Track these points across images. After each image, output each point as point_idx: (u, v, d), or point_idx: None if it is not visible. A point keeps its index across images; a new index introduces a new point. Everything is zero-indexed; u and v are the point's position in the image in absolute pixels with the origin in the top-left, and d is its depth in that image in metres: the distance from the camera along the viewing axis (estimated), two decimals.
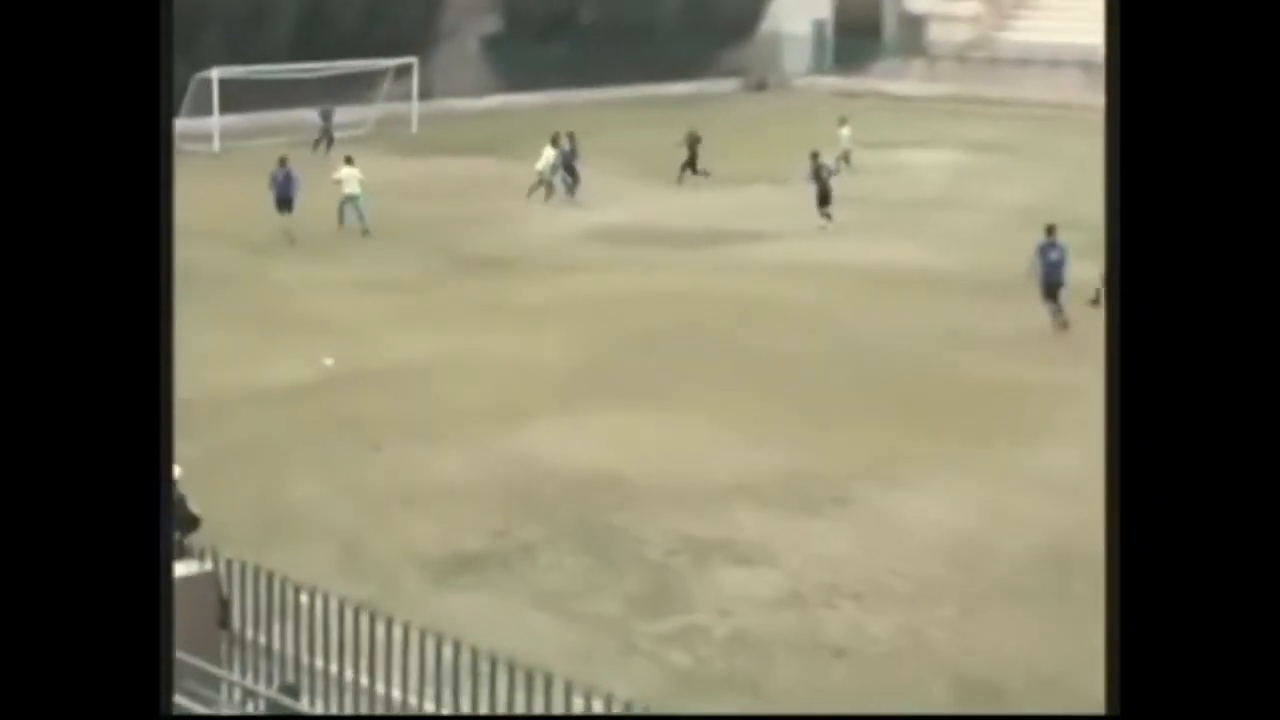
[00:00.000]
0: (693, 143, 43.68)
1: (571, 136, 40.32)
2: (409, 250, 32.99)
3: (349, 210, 35.19)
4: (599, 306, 27.73)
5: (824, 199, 35.49)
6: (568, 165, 40.36)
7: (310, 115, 48.43)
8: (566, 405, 21.88)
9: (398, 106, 53.05)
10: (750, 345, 25.22)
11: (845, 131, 43.71)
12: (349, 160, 36.52)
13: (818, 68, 73.52)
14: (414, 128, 50.81)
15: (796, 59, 73.41)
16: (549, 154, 39.79)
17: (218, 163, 45.48)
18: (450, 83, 61.21)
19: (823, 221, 35.10)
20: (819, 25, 75.82)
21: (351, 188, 35.55)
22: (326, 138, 47.19)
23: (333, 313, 27.24)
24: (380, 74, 53.94)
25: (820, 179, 35.99)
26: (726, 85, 69.04)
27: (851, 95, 65.89)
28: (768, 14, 73.03)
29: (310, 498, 18.41)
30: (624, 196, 39.91)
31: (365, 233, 34.50)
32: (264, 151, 40.94)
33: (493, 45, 65.59)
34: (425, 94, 55.80)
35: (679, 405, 22.01)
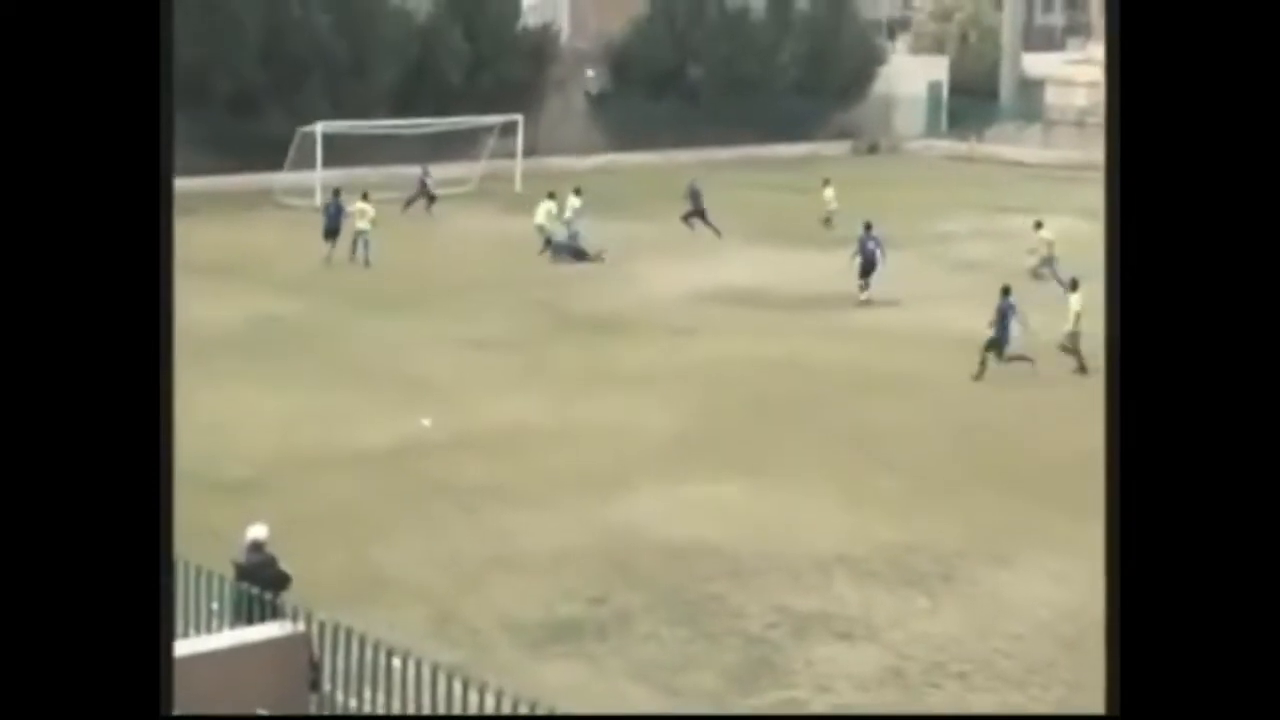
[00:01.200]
0: (694, 195, 44.38)
1: (578, 192, 42.66)
2: (512, 309, 33.34)
3: (359, 245, 38.53)
4: (704, 371, 27.88)
5: (867, 269, 35.40)
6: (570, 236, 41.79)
7: (413, 171, 49.00)
8: (668, 472, 21.99)
9: (502, 164, 53.64)
10: (857, 414, 25.24)
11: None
12: (365, 196, 39.63)
13: (931, 131, 73.56)
14: (518, 185, 51.33)
15: (910, 121, 73.49)
16: (548, 207, 41.22)
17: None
18: (555, 140, 61.84)
19: (862, 294, 35.06)
20: (934, 87, 75.91)
21: (363, 224, 38.75)
22: (426, 195, 47.77)
23: (432, 372, 27.55)
24: (485, 130, 54.60)
25: (865, 251, 35.78)
26: (838, 147, 69.21)
27: (966, 160, 65.93)
28: (881, 75, 73.22)
29: (404, 561, 18.59)
30: (733, 258, 40.16)
31: (366, 264, 38.08)
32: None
33: (599, 102, 66.25)
34: (530, 151, 56.38)
35: (782, 474, 22.07)
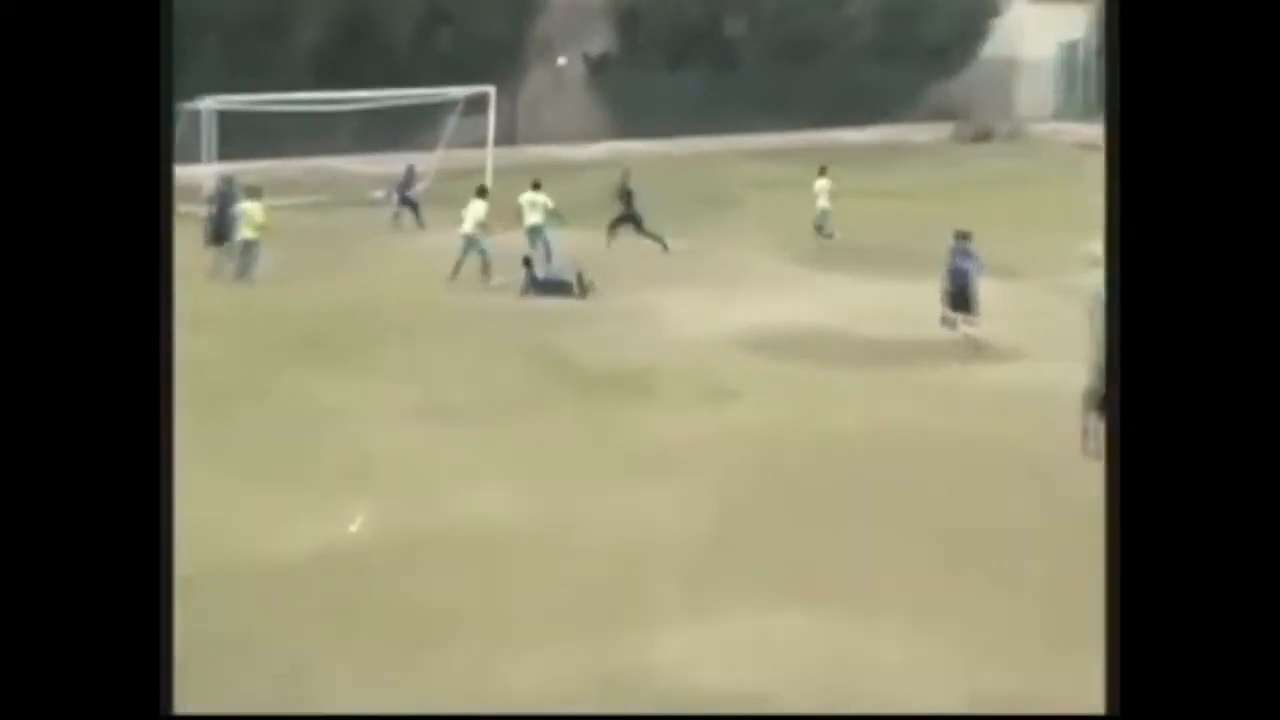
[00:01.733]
0: (625, 194, 44.69)
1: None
2: (488, 362, 33.29)
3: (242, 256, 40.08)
4: (745, 448, 27.74)
5: (960, 297, 35.73)
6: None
7: (342, 165, 49.22)
8: (694, 595, 21.83)
9: (467, 154, 53.70)
10: (955, 509, 25.07)
11: (822, 183, 48.31)
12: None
13: (1067, 110, 73.58)
14: (488, 182, 51.47)
15: (1036, 97, 73.44)
16: (477, 209, 41.40)
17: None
18: (541, 123, 61.92)
19: (950, 330, 35.59)
20: (1068, 49, 75.76)
21: (249, 232, 40.46)
22: (409, 205, 48.48)
23: (381, 450, 27.45)
24: (444, 109, 54.64)
25: (956, 272, 36.07)
26: (931, 133, 69.39)
27: None
28: (995, 30, 73.07)
29: (337, 710, 18.48)
30: (786, 287, 40.32)
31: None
32: (281, 216, 41.63)
33: (602, 71, 66.29)
34: (506, 138, 56.48)
35: (855, 600, 21.88)
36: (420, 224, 48.35)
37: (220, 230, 40.85)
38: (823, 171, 48.57)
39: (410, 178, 49.55)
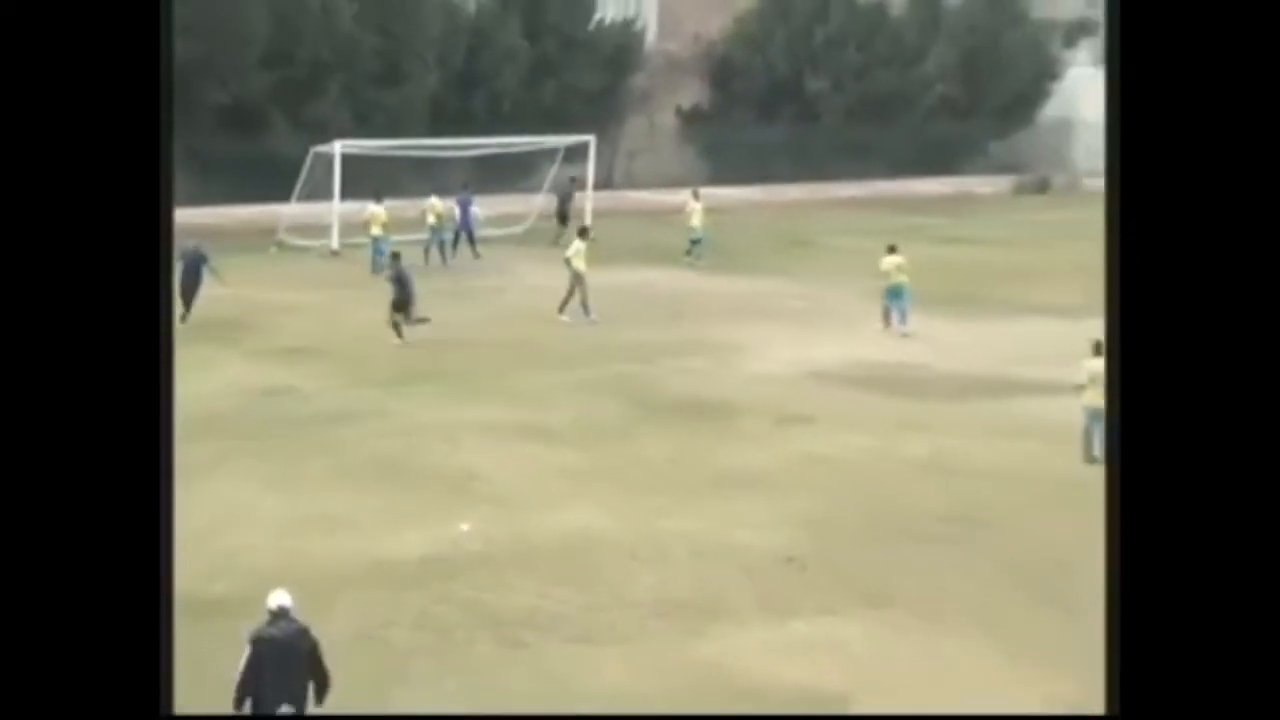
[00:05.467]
0: (564, 198, 45.51)
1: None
2: (580, 388, 33.44)
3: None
4: (824, 474, 27.83)
5: None
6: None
7: (453, 205, 49.46)
8: (773, 603, 21.95)
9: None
10: (1022, 535, 25.10)
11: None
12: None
13: None
14: (588, 222, 51.67)
15: (1093, 152, 73.21)
16: (579, 247, 41.50)
17: (335, 264, 46.66)
18: (637, 170, 62.03)
19: None
20: None
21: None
22: (467, 234, 48.20)
23: (475, 467, 27.66)
24: (546, 156, 54.67)
25: None
26: (995, 184, 69.23)
27: None
28: (1056, 92, 73.03)
29: (436, 704, 18.63)
30: (864, 324, 40.19)
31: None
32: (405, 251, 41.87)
33: (694, 122, 66.35)
34: (604, 183, 56.51)
35: (921, 611, 21.96)
36: (475, 254, 48.31)
37: (185, 289, 37.19)
38: (892, 250, 41.35)
39: (466, 213, 48.98)
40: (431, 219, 45.63)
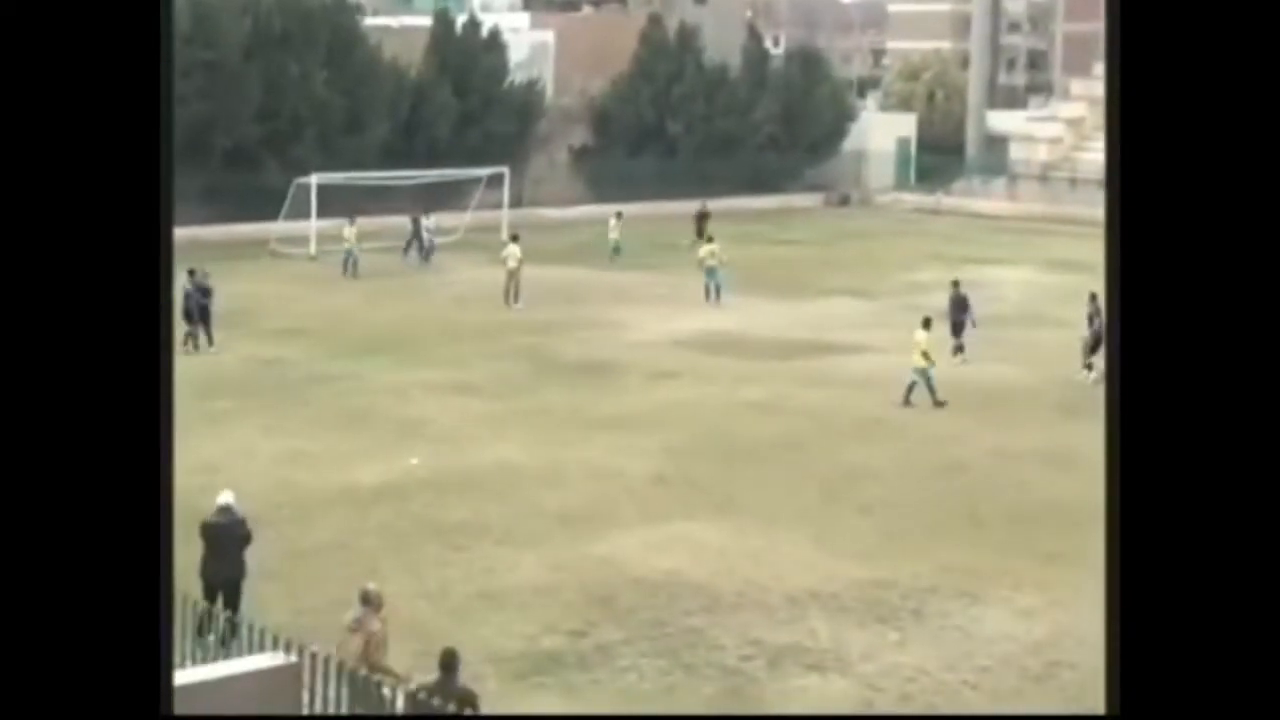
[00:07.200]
0: (416, 222, 47.60)
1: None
2: (500, 355, 33.37)
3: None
4: (685, 415, 27.91)
5: (957, 329, 33.70)
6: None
7: (404, 220, 49.17)
8: (648, 513, 21.99)
9: (488, 214, 53.67)
10: (830, 457, 25.28)
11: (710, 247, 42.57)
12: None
13: (901, 185, 73.87)
14: (504, 235, 51.43)
15: (880, 175, 73.78)
16: (514, 250, 40.76)
17: (314, 266, 46.40)
18: (540, 192, 61.94)
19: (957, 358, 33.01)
20: (903, 143, 76.27)
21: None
22: (418, 243, 47.97)
23: (423, 415, 27.57)
24: (473, 182, 54.66)
25: (957, 308, 34.00)
26: (809, 200, 69.49)
27: (933, 212, 66.21)
28: (852, 131, 73.54)
29: (393, 595, 18.50)
30: (709, 306, 40.32)
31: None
32: (370, 257, 41.57)
33: (582, 156, 66.33)
34: (515, 202, 56.43)
35: (758, 515, 22.07)
36: (425, 261, 47.47)
37: (189, 310, 32.20)
38: (710, 239, 43.15)
39: (418, 228, 48.29)
40: (348, 239, 44.48)
